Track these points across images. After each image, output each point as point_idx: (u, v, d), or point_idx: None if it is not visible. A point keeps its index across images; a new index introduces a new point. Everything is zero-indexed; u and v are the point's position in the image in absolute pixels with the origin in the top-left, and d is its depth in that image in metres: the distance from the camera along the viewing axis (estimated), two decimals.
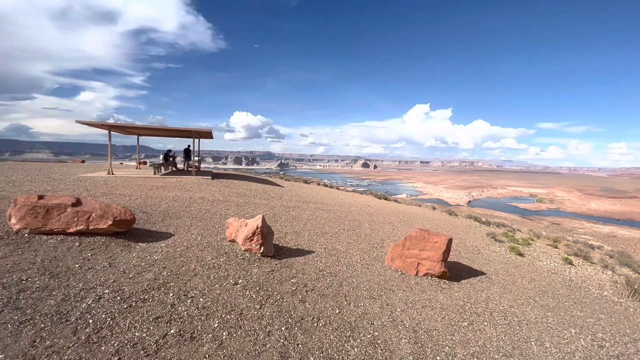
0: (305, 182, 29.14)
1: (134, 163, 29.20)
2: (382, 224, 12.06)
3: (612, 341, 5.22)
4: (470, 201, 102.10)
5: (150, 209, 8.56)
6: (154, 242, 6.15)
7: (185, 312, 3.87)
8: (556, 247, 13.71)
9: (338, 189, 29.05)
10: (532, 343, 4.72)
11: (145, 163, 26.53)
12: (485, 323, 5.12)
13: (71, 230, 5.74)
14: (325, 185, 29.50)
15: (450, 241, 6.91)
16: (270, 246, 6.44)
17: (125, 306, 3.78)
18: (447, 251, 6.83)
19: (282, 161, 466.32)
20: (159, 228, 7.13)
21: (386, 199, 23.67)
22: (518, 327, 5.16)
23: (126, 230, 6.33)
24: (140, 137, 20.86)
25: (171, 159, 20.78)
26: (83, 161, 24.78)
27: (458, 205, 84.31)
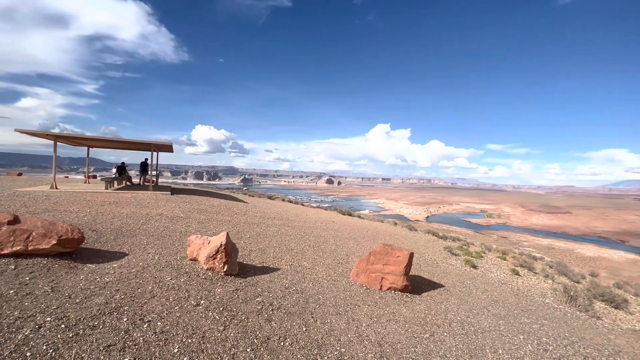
0: (270, 198, 28.77)
1: (81, 177, 26.94)
2: (346, 239, 12.22)
3: (555, 344, 5.71)
4: (428, 217, 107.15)
5: (100, 227, 7.90)
6: (105, 263, 5.66)
7: (141, 338, 3.58)
8: (505, 259, 14.81)
9: (303, 205, 29.04)
10: (487, 350, 5.01)
11: (95, 177, 24.55)
12: (445, 334, 5.34)
13: (5, 251, 5.11)
14: (290, 201, 29.33)
15: (411, 255, 7.20)
16: (235, 264, 6.24)
17: (70, 335, 3.41)
18: (409, 265, 7.10)
19: (246, 176, 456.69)
20: (111, 247, 6.60)
21: (350, 214, 24.09)
22: (474, 336, 5.45)
23: (73, 250, 5.78)
24: (90, 148, 19.37)
25: (125, 172, 19.46)
26: (20, 174, 22.30)
27: (417, 220, 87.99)
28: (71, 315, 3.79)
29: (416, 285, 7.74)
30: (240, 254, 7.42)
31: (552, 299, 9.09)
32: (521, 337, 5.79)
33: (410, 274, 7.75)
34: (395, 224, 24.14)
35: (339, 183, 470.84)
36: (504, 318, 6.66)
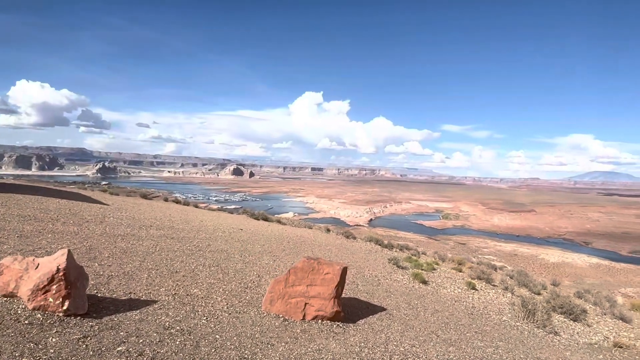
0: (145, 197, 27.39)
1: None
2: (259, 254, 12.33)
3: None
4: (371, 219, 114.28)
5: None
6: None
7: None
8: (461, 271, 16.76)
9: (197, 206, 28.23)
10: None
11: None
12: None
13: None
14: (178, 202, 28.22)
15: (344, 271, 7.62)
16: (83, 298, 5.79)
17: None
18: (342, 284, 7.51)
19: (106, 164, 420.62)
20: None
21: (266, 219, 24.28)
22: None
23: None
24: None
25: None
26: None
27: (358, 225, 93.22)
28: None
29: (351, 310, 8.25)
30: (92, 282, 6.92)
31: (509, 315, 10.65)
32: None
33: (343, 295, 8.23)
34: (329, 230, 25.16)
35: (252, 174, 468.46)
36: (455, 344, 7.57)
